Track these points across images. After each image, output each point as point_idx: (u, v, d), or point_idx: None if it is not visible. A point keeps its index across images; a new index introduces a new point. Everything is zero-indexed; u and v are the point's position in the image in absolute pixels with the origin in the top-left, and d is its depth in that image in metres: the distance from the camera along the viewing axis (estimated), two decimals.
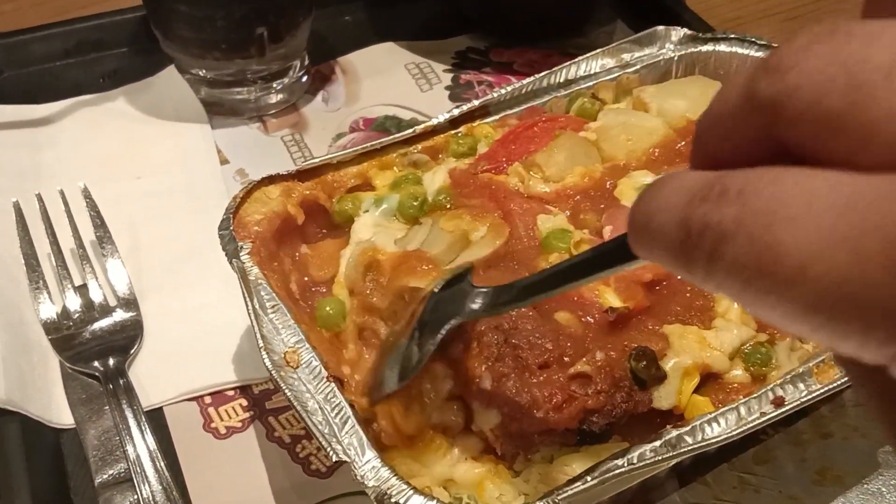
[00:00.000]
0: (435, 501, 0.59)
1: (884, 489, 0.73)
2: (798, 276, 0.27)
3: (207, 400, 0.81)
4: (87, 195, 0.92)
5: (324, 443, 0.63)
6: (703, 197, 0.31)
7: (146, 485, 0.73)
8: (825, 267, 0.27)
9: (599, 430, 0.67)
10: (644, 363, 0.67)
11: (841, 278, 0.26)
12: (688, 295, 0.72)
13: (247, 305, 0.70)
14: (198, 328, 0.86)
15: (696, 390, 0.69)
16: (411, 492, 0.60)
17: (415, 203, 0.77)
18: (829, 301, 0.27)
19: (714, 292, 0.31)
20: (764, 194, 0.29)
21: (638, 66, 0.93)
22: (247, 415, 0.80)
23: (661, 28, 0.95)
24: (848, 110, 0.27)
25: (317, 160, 0.81)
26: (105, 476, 0.75)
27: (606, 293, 0.71)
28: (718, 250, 0.30)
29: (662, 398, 0.67)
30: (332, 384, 0.66)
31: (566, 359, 0.66)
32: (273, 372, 0.66)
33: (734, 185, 0.30)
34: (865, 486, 0.73)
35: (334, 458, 0.62)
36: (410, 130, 0.84)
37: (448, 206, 0.77)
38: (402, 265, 0.71)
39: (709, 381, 0.70)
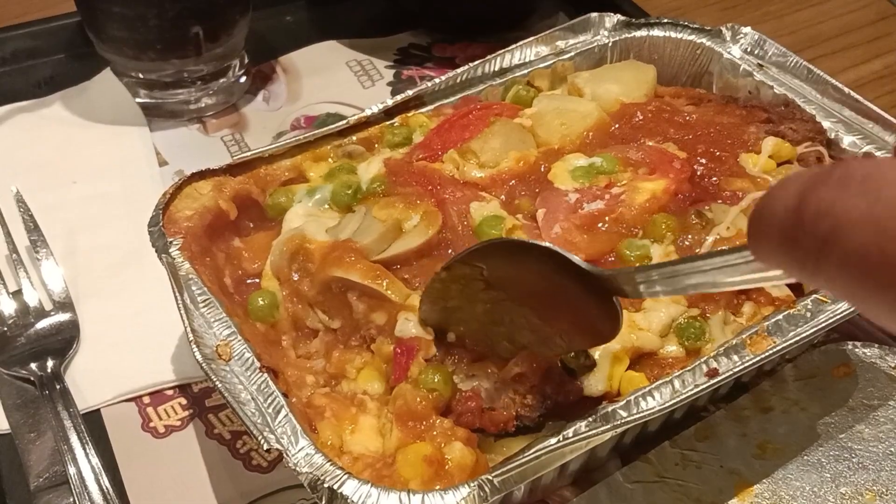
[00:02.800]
0: (369, 485, 0.59)
1: (823, 460, 0.73)
2: None
3: (146, 400, 0.80)
4: (20, 200, 0.90)
5: (255, 432, 0.62)
6: (821, 181, 0.30)
7: (83, 488, 0.72)
8: None
9: (532, 423, 0.67)
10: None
11: None
12: None
13: (176, 300, 0.69)
14: (136, 329, 0.85)
15: (632, 367, 0.69)
16: (345, 476, 0.59)
17: (348, 191, 0.77)
18: None
19: (819, 287, 0.30)
20: None
21: (572, 53, 0.94)
22: (186, 413, 0.79)
23: (594, 15, 0.96)
24: None
25: (248, 154, 0.80)
26: (41, 480, 0.74)
27: None
28: (836, 237, 0.29)
29: (593, 385, 0.67)
30: (265, 375, 0.65)
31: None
32: (204, 364, 0.65)
33: (858, 171, 0.29)
34: (805, 457, 0.74)
35: (266, 447, 0.61)
36: (344, 122, 0.84)
37: (384, 193, 0.76)
38: (329, 255, 0.70)
39: (644, 357, 0.70)
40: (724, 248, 0.52)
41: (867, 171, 0.29)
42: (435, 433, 0.65)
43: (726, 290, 0.61)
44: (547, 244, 0.62)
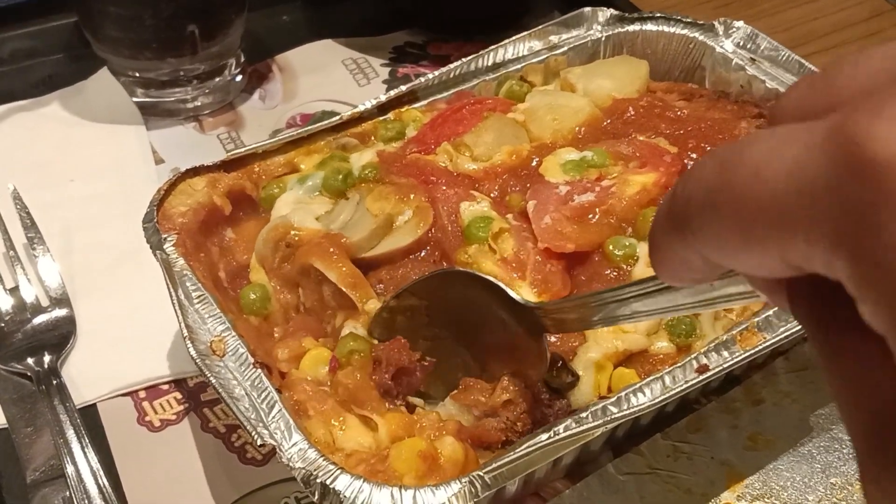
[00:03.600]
0: (361, 480, 0.59)
1: (814, 451, 0.74)
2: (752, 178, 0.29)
3: (142, 394, 0.81)
4: (16, 197, 0.91)
5: (249, 428, 0.62)
6: (687, 174, 0.33)
7: (79, 482, 0.72)
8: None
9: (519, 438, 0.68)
10: (554, 372, 0.67)
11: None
12: (608, 277, 0.72)
13: (171, 296, 0.70)
14: (132, 325, 0.85)
15: (622, 364, 0.69)
16: (338, 471, 0.60)
17: (339, 176, 0.77)
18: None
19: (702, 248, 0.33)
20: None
21: (565, 48, 0.94)
22: (181, 407, 0.80)
23: (587, 9, 0.96)
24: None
25: (243, 150, 0.81)
26: (37, 474, 0.75)
27: (522, 287, 0.70)
28: (697, 216, 0.32)
29: (580, 399, 0.68)
30: (259, 370, 0.66)
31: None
32: (198, 360, 0.66)
33: (718, 154, 0.32)
34: (796, 449, 0.74)
35: (259, 442, 0.62)
36: (338, 118, 0.84)
37: (376, 179, 0.77)
38: (315, 242, 0.71)
39: (635, 355, 0.70)
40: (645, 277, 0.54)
41: (724, 155, 0.31)
42: (423, 426, 0.65)
43: (645, 320, 0.63)
44: (490, 278, 0.66)
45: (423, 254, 0.74)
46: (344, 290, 0.70)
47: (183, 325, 0.68)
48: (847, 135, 0.27)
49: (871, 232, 0.26)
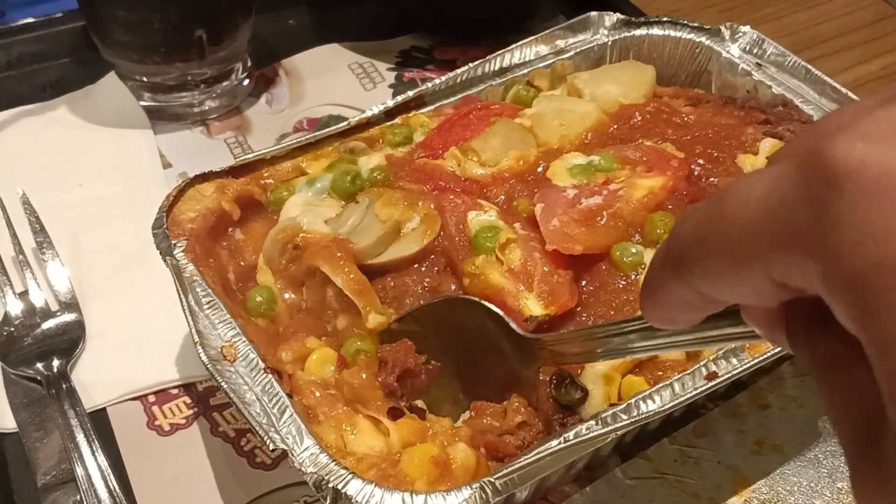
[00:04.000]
0: (373, 485, 0.60)
1: (820, 456, 0.74)
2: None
3: (151, 399, 0.81)
4: (25, 202, 0.92)
5: (261, 433, 0.63)
6: (685, 215, 0.36)
7: (90, 485, 0.73)
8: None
9: None
10: (563, 388, 0.68)
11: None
12: (616, 286, 0.73)
13: (181, 302, 0.70)
14: (141, 329, 0.86)
15: (632, 371, 0.70)
16: (350, 476, 0.60)
17: (347, 178, 0.77)
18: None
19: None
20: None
21: (572, 53, 0.95)
22: (191, 411, 0.80)
23: (594, 14, 0.97)
24: None
25: (251, 155, 0.81)
26: (48, 478, 0.75)
27: (528, 299, 0.70)
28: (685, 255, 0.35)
29: (591, 413, 0.68)
30: (270, 375, 0.66)
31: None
32: (209, 366, 0.66)
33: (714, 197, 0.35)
34: (803, 454, 0.74)
35: (272, 447, 0.62)
36: (345, 123, 0.85)
37: (385, 182, 0.78)
38: (322, 245, 0.71)
39: (644, 362, 0.70)
40: None
41: (713, 197, 0.34)
42: (436, 432, 0.66)
43: (644, 355, 0.65)
44: (492, 307, 0.68)
45: (428, 263, 0.74)
46: (350, 296, 0.71)
47: (194, 331, 0.68)
48: (813, 152, 0.29)
49: (832, 229, 0.28)
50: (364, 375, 0.67)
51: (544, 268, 0.71)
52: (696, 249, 0.34)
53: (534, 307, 0.70)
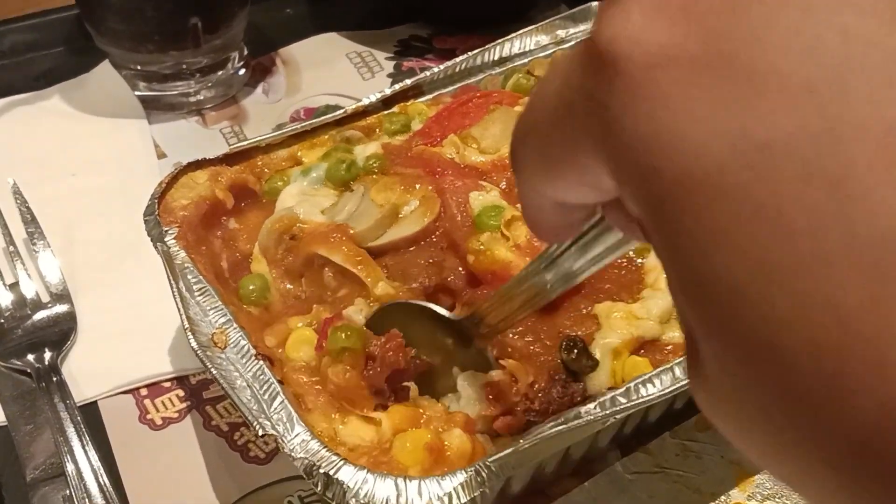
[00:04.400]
0: (365, 471, 0.58)
1: None
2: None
3: (143, 392, 0.80)
4: (16, 191, 0.90)
5: (251, 419, 0.61)
6: None
7: (80, 480, 0.71)
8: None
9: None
10: (574, 354, 0.66)
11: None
12: (619, 271, 0.71)
13: (172, 288, 0.69)
14: (134, 322, 0.84)
15: (636, 352, 0.68)
16: (342, 462, 0.59)
17: (342, 166, 0.76)
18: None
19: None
20: None
21: (572, 42, 0.93)
22: (183, 405, 0.79)
23: (595, 3, 0.95)
24: None
25: (245, 143, 0.80)
26: (37, 472, 0.73)
27: None
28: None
29: (597, 384, 0.67)
30: (261, 362, 0.65)
31: None
32: (199, 352, 0.65)
33: None
34: None
35: (261, 433, 0.60)
36: (342, 111, 0.83)
37: (381, 170, 0.76)
38: (318, 232, 0.70)
39: (647, 343, 0.69)
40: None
41: None
42: (429, 416, 0.64)
43: (560, 290, 0.60)
44: (420, 303, 0.68)
45: (427, 243, 0.73)
46: (350, 268, 0.69)
47: (184, 316, 0.67)
48: (592, 34, 0.26)
49: (611, 122, 0.26)
50: (348, 375, 0.65)
51: None
52: (519, 152, 0.32)
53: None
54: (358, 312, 0.67)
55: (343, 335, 0.65)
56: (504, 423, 0.65)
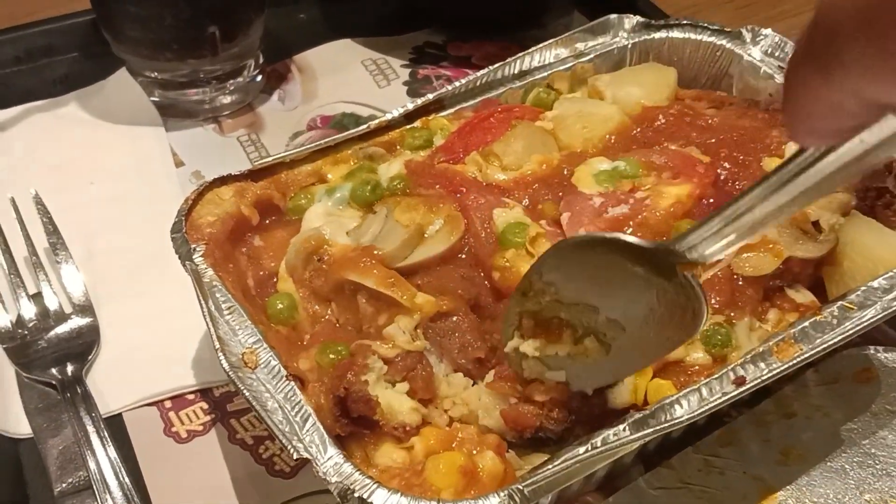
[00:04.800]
0: (399, 495, 0.59)
1: (847, 466, 0.73)
2: None
3: (168, 404, 0.80)
4: (38, 202, 0.90)
5: (285, 441, 0.62)
6: None
7: (107, 493, 0.72)
8: None
9: (555, 436, 0.67)
10: None
11: None
12: None
13: (202, 308, 0.69)
14: (156, 333, 0.85)
15: (658, 375, 0.69)
16: (375, 486, 0.59)
17: (367, 188, 0.76)
18: None
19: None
20: None
21: (592, 56, 0.93)
22: (208, 418, 0.79)
23: (613, 16, 0.95)
24: None
25: (270, 159, 0.80)
26: (64, 485, 0.74)
27: None
28: None
29: (617, 398, 0.67)
30: (292, 383, 0.65)
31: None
32: (231, 373, 0.65)
33: None
34: (829, 463, 0.74)
35: (295, 456, 0.61)
36: (364, 126, 0.84)
37: (404, 192, 0.76)
38: (346, 257, 0.70)
39: (670, 365, 0.70)
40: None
41: None
42: (462, 438, 0.65)
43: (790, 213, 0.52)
44: (607, 234, 0.63)
45: (456, 262, 0.73)
46: (384, 291, 0.69)
47: (215, 337, 0.67)
48: None
49: None
50: (322, 400, 0.66)
51: None
52: (860, 39, 0.28)
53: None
54: (400, 333, 0.68)
55: (329, 351, 0.67)
56: (513, 412, 0.66)
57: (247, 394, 0.64)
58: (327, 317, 0.74)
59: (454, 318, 0.70)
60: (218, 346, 0.67)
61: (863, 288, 0.71)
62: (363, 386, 0.65)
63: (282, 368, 0.66)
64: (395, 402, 0.66)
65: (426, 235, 0.73)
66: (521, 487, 0.59)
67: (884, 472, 0.73)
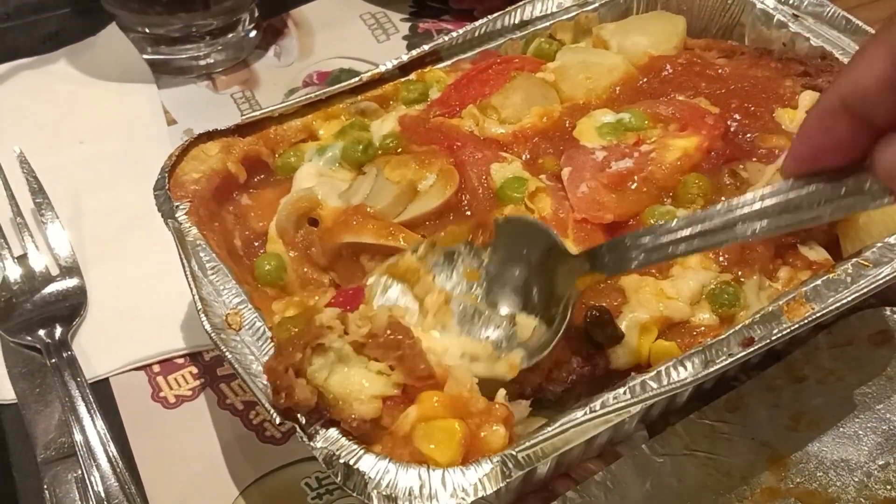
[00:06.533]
0: (387, 460, 0.56)
1: (860, 432, 0.70)
2: None
3: (156, 369, 0.78)
4: (23, 160, 0.88)
5: (268, 405, 0.59)
6: None
7: (92, 460, 0.70)
8: None
9: (554, 396, 0.65)
10: (599, 325, 0.64)
11: None
12: None
13: (184, 267, 0.66)
14: (145, 296, 0.82)
15: (662, 336, 0.66)
16: (362, 451, 0.56)
17: (359, 148, 0.73)
18: None
19: None
20: None
21: (597, 4, 0.90)
22: (197, 382, 0.77)
23: None
24: None
25: (257, 113, 0.77)
26: (48, 452, 0.72)
27: (566, 243, 0.67)
28: None
29: (620, 357, 0.65)
30: None
31: None
32: (213, 335, 0.63)
33: None
34: (841, 429, 0.70)
35: (278, 421, 0.58)
36: (357, 79, 0.80)
37: (397, 151, 0.73)
38: (337, 221, 0.67)
39: (675, 326, 0.66)
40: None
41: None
42: (474, 411, 0.60)
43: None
44: (544, 226, 0.64)
45: (453, 217, 0.70)
46: (384, 242, 0.66)
47: (197, 297, 0.65)
48: None
49: None
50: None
51: (576, 215, 0.68)
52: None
53: (572, 250, 0.66)
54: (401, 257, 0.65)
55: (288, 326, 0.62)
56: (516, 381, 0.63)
57: (229, 356, 0.62)
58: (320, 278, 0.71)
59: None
60: (200, 306, 0.64)
61: (879, 244, 0.67)
62: (291, 381, 0.57)
63: (267, 330, 0.63)
64: (357, 385, 0.58)
65: (419, 190, 0.70)
66: (514, 453, 0.56)
67: None
